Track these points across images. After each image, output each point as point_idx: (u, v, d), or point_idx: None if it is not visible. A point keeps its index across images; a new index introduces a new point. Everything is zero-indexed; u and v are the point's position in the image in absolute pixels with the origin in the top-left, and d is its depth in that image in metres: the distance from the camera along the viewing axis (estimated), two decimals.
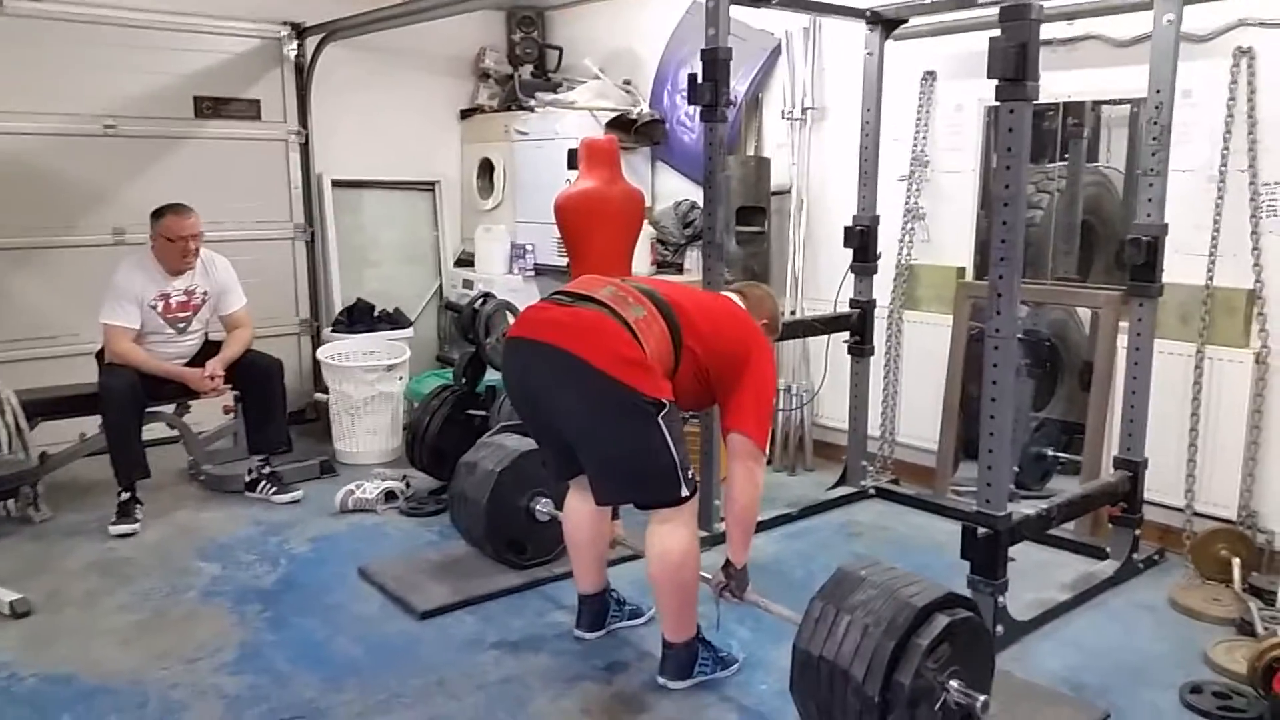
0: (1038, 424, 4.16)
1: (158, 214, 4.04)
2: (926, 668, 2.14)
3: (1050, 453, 4.13)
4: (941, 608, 2.22)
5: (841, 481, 4.27)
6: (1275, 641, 2.59)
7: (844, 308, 4.16)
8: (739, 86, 4.70)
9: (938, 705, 2.17)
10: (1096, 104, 4.42)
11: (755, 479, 2.61)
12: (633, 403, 2.45)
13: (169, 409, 4.26)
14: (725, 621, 3.02)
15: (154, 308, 4.03)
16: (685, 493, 2.56)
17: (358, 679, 2.74)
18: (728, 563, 2.70)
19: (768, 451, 2.76)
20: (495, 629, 3.04)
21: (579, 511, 2.87)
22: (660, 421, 2.47)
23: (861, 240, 3.98)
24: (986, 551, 2.76)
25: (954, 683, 2.18)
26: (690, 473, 2.58)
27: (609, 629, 2.99)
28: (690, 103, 3.51)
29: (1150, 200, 3.20)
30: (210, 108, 5.01)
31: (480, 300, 4.38)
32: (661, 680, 2.69)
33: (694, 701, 2.62)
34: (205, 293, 4.17)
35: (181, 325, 4.12)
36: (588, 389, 2.47)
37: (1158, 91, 3.14)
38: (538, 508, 3.32)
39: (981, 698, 2.19)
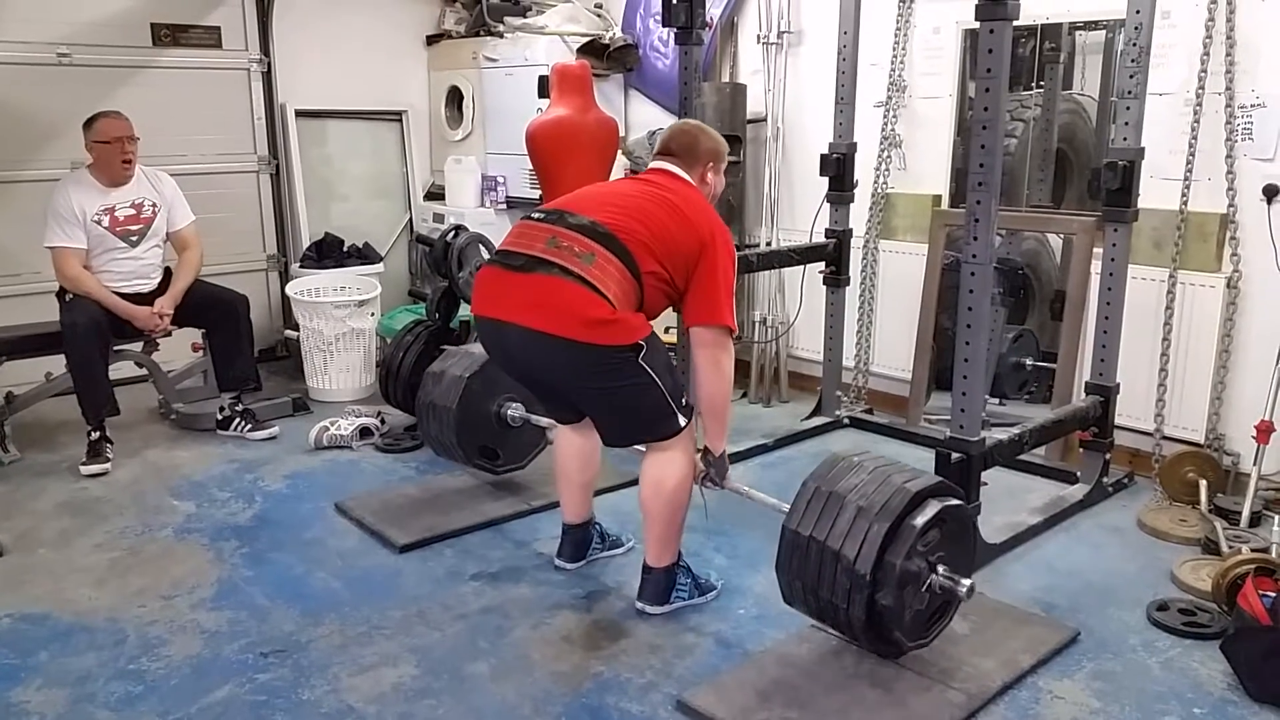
0: (1016, 334, 4.19)
1: (89, 122, 3.95)
2: (917, 550, 2.19)
3: (1029, 362, 4.17)
4: (933, 495, 2.26)
5: (816, 412, 4.29)
6: (1239, 559, 2.64)
7: (820, 238, 4.13)
8: (714, 9, 4.61)
9: (924, 587, 2.23)
10: (1073, 28, 4.38)
11: (721, 366, 2.55)
12: (612, 360, 2.44)
13: (136, 347, 4.19)
14: (702, 550, 3.05)
15: (99, 222, 3.94)
16: (682, 422, 2.58)
17: (337, 612, 2.74)
18: (706, 450, 2.70)
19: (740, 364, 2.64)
20: (475, 561, 3.05)
21: (570, 443, 2.87)
22: (642, 363, 2.47)
23: (838, 169, 3.94)
24: (959, 476, 2.78)
25: (941, 567, 2.24)
26: (684, 399, 2.59)
27: (589, 559, 3.01)
28: (664, 24, 3.45)
29: (1127, 124, 3.18)
30: (168, 35, 4.85)
31: (452, 234, 4.31)
32: (640, 605, 2.71)
33: (672, 626, 2.65)
34: (155, 204, 4.09)
35: (134, 239, 4.03)
36: (566, 360, 2.47)
37: (1137, 12, 3.10)
38: (509, 412, 3.29)
39: (966, 582, 2.25)
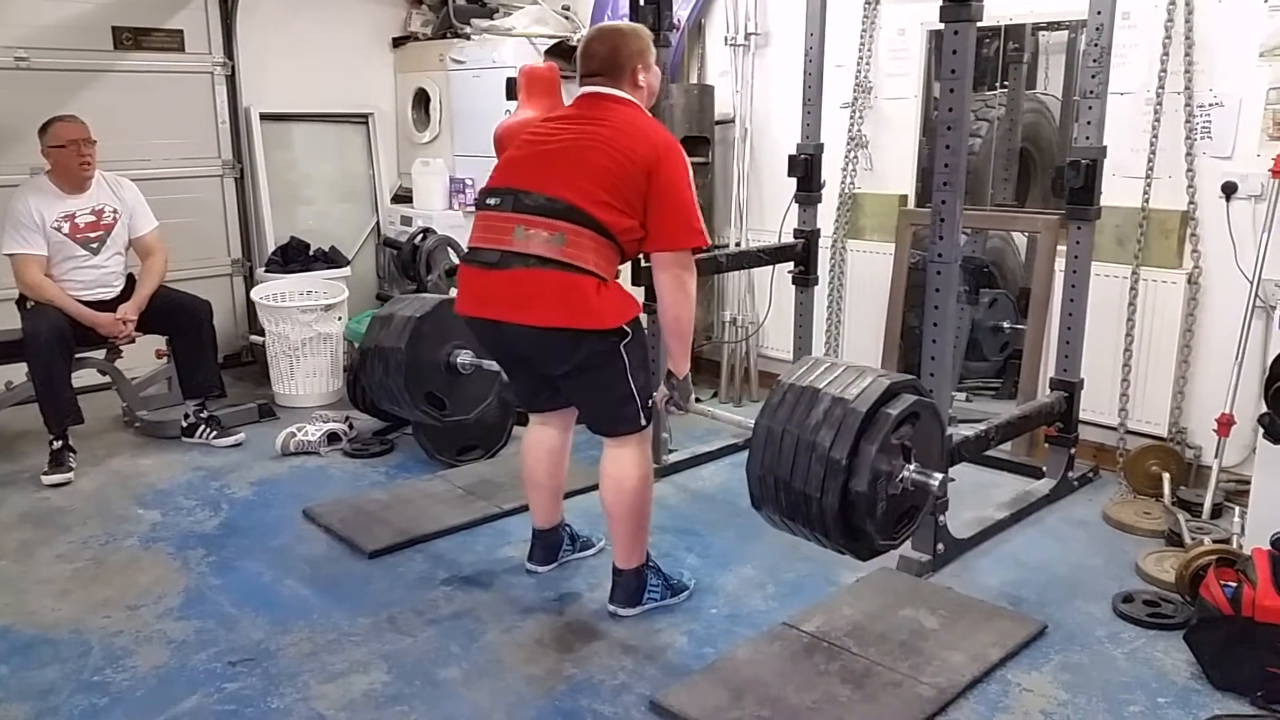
0: (991, 299, 4.23)
1: (44, 127, 3.89)
2: (891, 441, 2.18)
3: (1006, 325, 4.21)
4: (907, 389, 2.26)
5: None
6: (1201, 550, 2.69)
7: (788, 238, 4.15)
8: (681, 11, 4.61)
9: (897, 479, 2.23)
10: (1036, 28, 4.43)
11: (684, 286, 2.48)
12: (599, 346, 2.45)
13: (99, 354, 4.13)
14: (674, 550, 3.06)
15: (59, 229, 3.88)
16: (642, 421, 2.59)
17: (306, 620, 2.71)
18: (669, 374, 2.68)
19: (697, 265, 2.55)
20: (445, 566, 3.03)
21: (539, 446, 2.85)
22: (623, 352, 2.48)
23: (805, 169, 3.95)
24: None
25: (913, 463, 2.25)
26: (650, 402, 2.60)
27: (561, 562, 3.00)
28: None
29: (1089, 123, 3.22)
30: (130, 39, 4.78)
31: (420, 236, 4.31)
32: (612, 608, 2.71)
33: (645, 627, 2.65)
34: (116, 210, 4.03)
35: (95, 245, 3.97)
36: (560, 348, 2.48)
37: (1099, 12, 3.14)
38: (459, 359, 3.20)
39: (938, 476, 2.25)
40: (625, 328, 2.47)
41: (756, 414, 2.36)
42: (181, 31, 4.92)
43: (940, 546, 2.93)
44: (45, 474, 3.70)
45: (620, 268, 2.56)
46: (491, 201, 2.51)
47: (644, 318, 2.60)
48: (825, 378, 2.27)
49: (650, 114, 2.59)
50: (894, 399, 2.22)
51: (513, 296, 2.44)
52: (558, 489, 2.93)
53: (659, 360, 3.13)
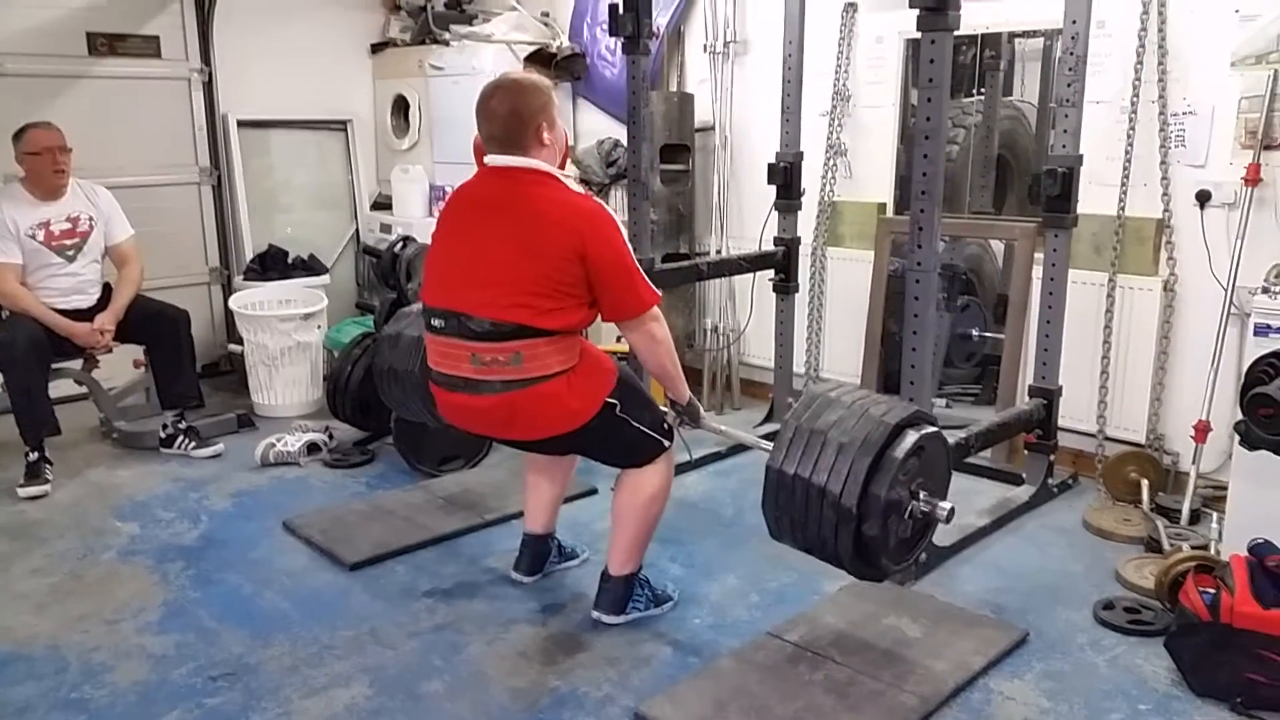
0: (964, 304, 4.26)
1: (18, 134, 3.86)
2: (899, 480, 2.22)
3: (975, 333, 4.24)
4: (911, 425, 2.29)
5: (768, 419, 4.31)
6: (1180, 557, 2.71)
7: (769, 246, 4.16)
8: (660, 19, 4.62)
9: (906, 514, 2.28)
10: (1012, 36, 4.46)
11: (656, 337, 2.47)
12: (592, 428, 2.47)
13: (76, 365, 4.09)
14: (658, 560, 3.05)
15: (34, 237, 3.84)
16: (665, 445, 2.62)
17: (287, 633, 2.69)
18: (673, 402, 2.69)
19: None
20: (427, 577, 3.02)
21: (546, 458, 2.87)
22: (617, 415, 2.50)
23: (785, 177, 3.97)
24: None
25: (921, 493, 2.29)
26: (664, 424, 2.62)
27: (546, 573, 2.99)
28: (611, 34, 3.44)
29: (1065, 131, 3.24)
30: (105, 45, 4.74)
31: (400, 244, 4.27)
32: (596, 615, 2.71)
33: (629, 638, 2.65)
34: (91, 218, 4.00)
35: (70, 253, 3.94)
36: (555, 445, 2.58)
37: (1074, 22, 3.17)
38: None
39: (945, 505, 2.30)
40: (609, 400, 2.48)
41: (745, 426, 2.37)
42: (158, 37, 4.89)
43: (922, 555, 2.94)
44: (21, 486, 3.65)
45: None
46: (437, 324, 2.45)
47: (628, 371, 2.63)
48: (830, 417, 2.29)
49: (562, 177, 2.47)
50: (899, 439, 2.25)
51: (496, 420, 2.48)
52: (559, 495, 2.94)
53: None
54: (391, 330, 3.24)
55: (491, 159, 2.46)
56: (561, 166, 2.52)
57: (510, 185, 2.42)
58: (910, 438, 2.25)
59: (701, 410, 2.75)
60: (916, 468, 2.29)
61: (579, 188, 2.52)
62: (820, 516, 2.23)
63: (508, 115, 2.41)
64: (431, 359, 2.53)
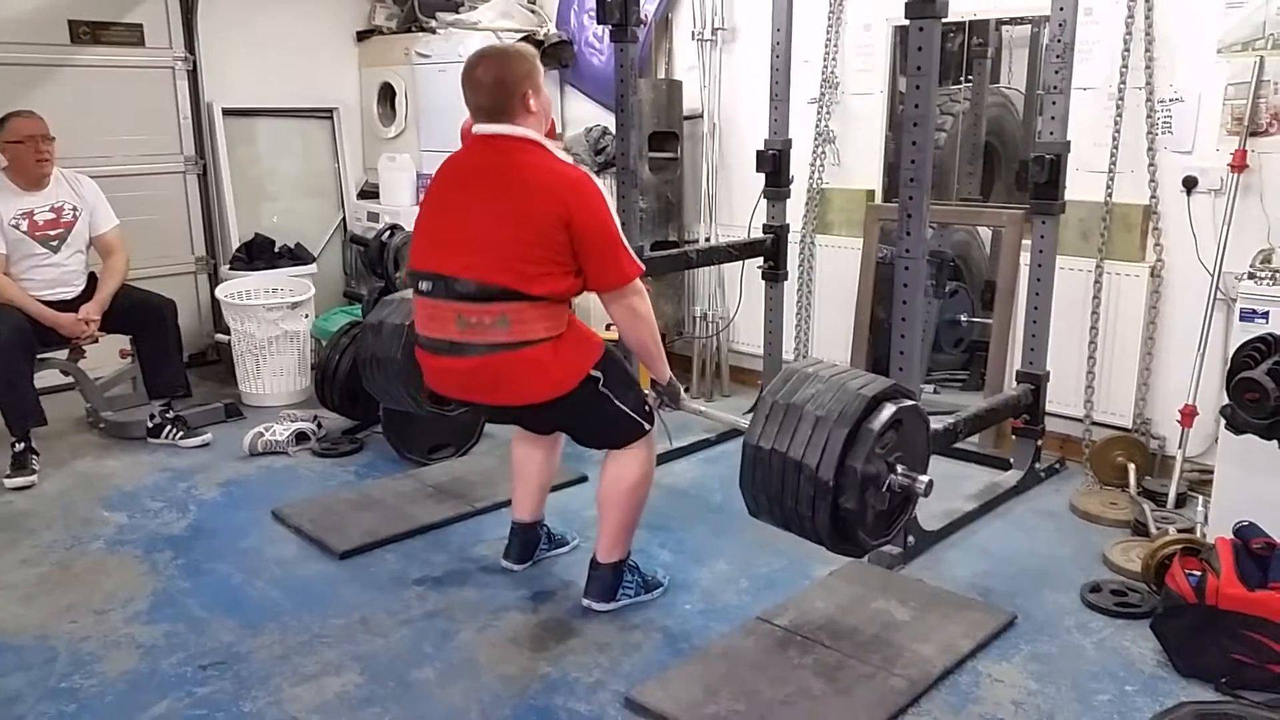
0: (952, 290, 4.28)
1: (0, 123, 3.82)
2: (876, 453, 2.21)
3: (964, 319, 4.26)
4: (888, 398, 2.28)
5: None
6: (1166, 540, 2.73)
7: (758, 233, 4.16)
8: (648, 6, 4.61)
9: (884, 487, 2.27)
10: (1000, 23, 4.47)
11: (638, 311, 2.48)
12: (575, 398, 2.46)
13: (62, 355, 4.06)
14: (648, 546, 3.06)
15: (17, 226, 3.82)
16: (646, 427, 2.61)
17: (277, 622, 2.69)
18: (654, 381, 2.70)
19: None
20: (418, 565, 3.02)
21: (531, 441, 2.86)
22: (604, 391, 2.49)
23: (774, 164, 3.97)
24: None
25: (899, 466, 2.27)
26: (646, 406, 2.62)
27: (536, 560, 2.99)
28: (599, 21, 3.43)
29: (1053, 118, 3.25)
30: (88, 33, 4.70)
31: (387, 233, 4.26)
32: (586, 602, 2.71)
33: (619, 624, 2.65)
34: (75, 208, 3.97)
35: (55, 244, 3.91)
36: (538, 413, 2.56)
37: (1061, 9, 3.17)
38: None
39: (923, 478, 2.29)
40: (594, 373, 2.48)
41: (734, 414, 2.38)
42: (141, 25, 4.84)
43: (910, 539, 2.96)
44: (7, 477, 3.63)
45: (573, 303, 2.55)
46: (424, 287, 2.47)
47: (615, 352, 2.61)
48: (807, 391, 2.29)
49: (549, 145, 2.48)
50: (876, 411, 2.24)
51: (479, 383, 2.47)
52: (546, 483, 2.94)
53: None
54: (374, 318, 3.23)
55: (479, 128, 2.48)
56: (549, 135, 2.54)
57: (497, 153, 2.44)
58: (887, 410, 2.24)
59: (681, 391, 2.75)
60: (894, 441, 2.27)
61: (567, 157, 2.52)
62: (797, 491, 2.22)
63: (493, 84, 2.43)
64: (418, 324, 2.54)
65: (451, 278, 2.40)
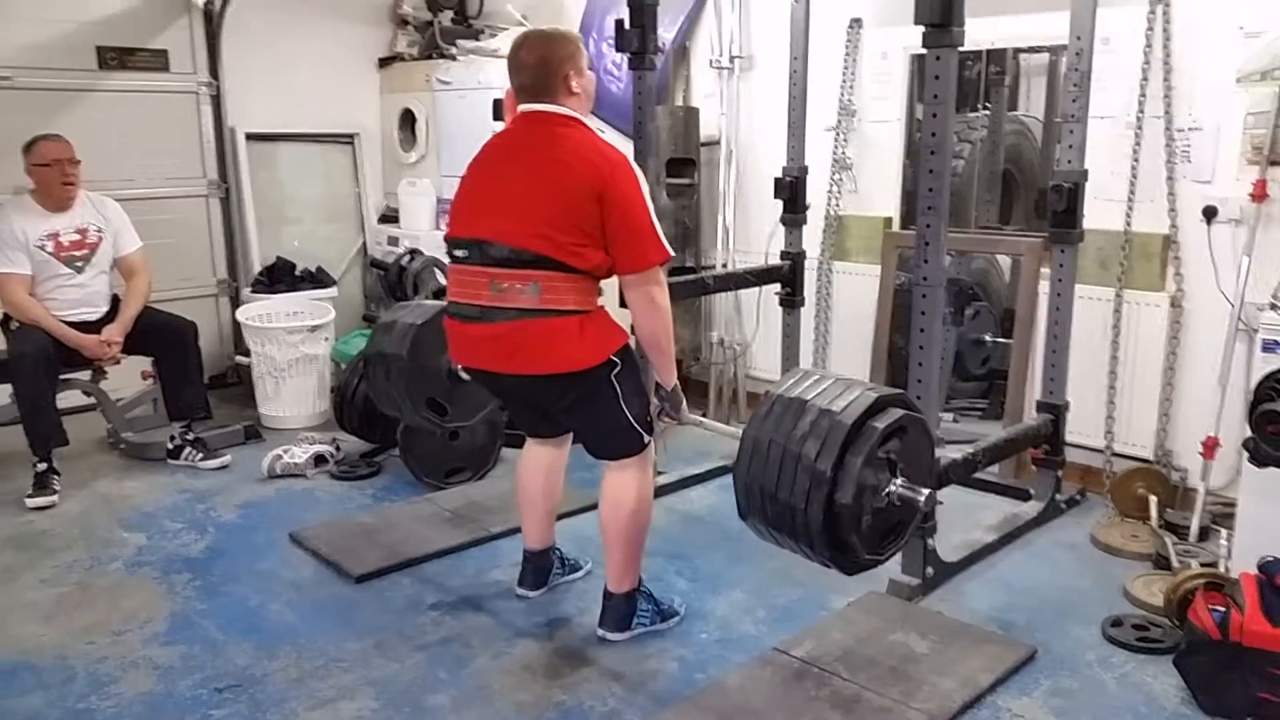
0: (974, 311, 4.27)
1: (28, 146, 3.89)
2: (877, 454, 2.17)
3: (989, 338, 4.24)
4: (894, 404, 2.25)
5: None
6: (1189, 574, 2.69)
7: (775, 259, 4.17)
8: (666, 34, 4.64)
9: (883, 493, 2.21)
10: (1018, 52, 4.48)
11: (655, 301, 2.47)
12: (589, 380, 2.47)
13: (84, 376, 4.10)
14: (663, 574, 3.05)
15: (43, 248, 3.87)
16: (644, 440, 2.60)
17: (293, 645, 2.69)
18: (658, 386, 2.68)
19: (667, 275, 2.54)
20: (433, 590, 3.02)
21: (536, 466, 2.86)
22: (614, 381, 2.49)
23: (791, 191, 3.98)
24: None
25: (900, 478, 2.23)
26: (649, 420, 2.61)
27: (551, 586, 2.99)
28: (618, 49, 3.46)
29: (1071, 147, 3.25)
30: (115, 59, 4.78)
31: (407, 257, 4.30)
32: (601, 632, 2.70)
33: (634, 653, 2.64)
34: (100, 230, 4.03)
35: (79, 264, 3.96)
36: (554, 389, 2.52)
37: (1078, 38, 3.18)
38: (460, 367, 3.05)
39: (925, 491, 2.24)
40: (614, 358, 2.48)
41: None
42: (166, 51, 4.92)
43: (929, 570, 2.94)
44: (29, 497, 3.66)
45: (603, 288, 2.56)
46: (460, 254, 2.51)
47: (633, 341, 2.60)
48: (814, 389, 2.27)
49: (591, 124, 2.54)
50: (882, 412, 2.21)
51: (503, 350, 2.47)
52: (552, 509, 2.93)
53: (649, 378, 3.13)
54: (388, 318, 3.25)
55: (523, 106, 2.52)
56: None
57: (538, 128, 2.49)
58: (894, 413, 2.21)
59: (684, 402, 2.74)
60: (898, 450, 2.23)
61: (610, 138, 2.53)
62: (793, 483, 2.17)
63: (536, 64, 2.48)
64: (451, 291, 2.56)
65: (486, 242, 2.44)
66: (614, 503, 2.62)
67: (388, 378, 3.17)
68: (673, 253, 2.48)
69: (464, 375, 3.02)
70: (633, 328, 2.56)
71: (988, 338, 4.27)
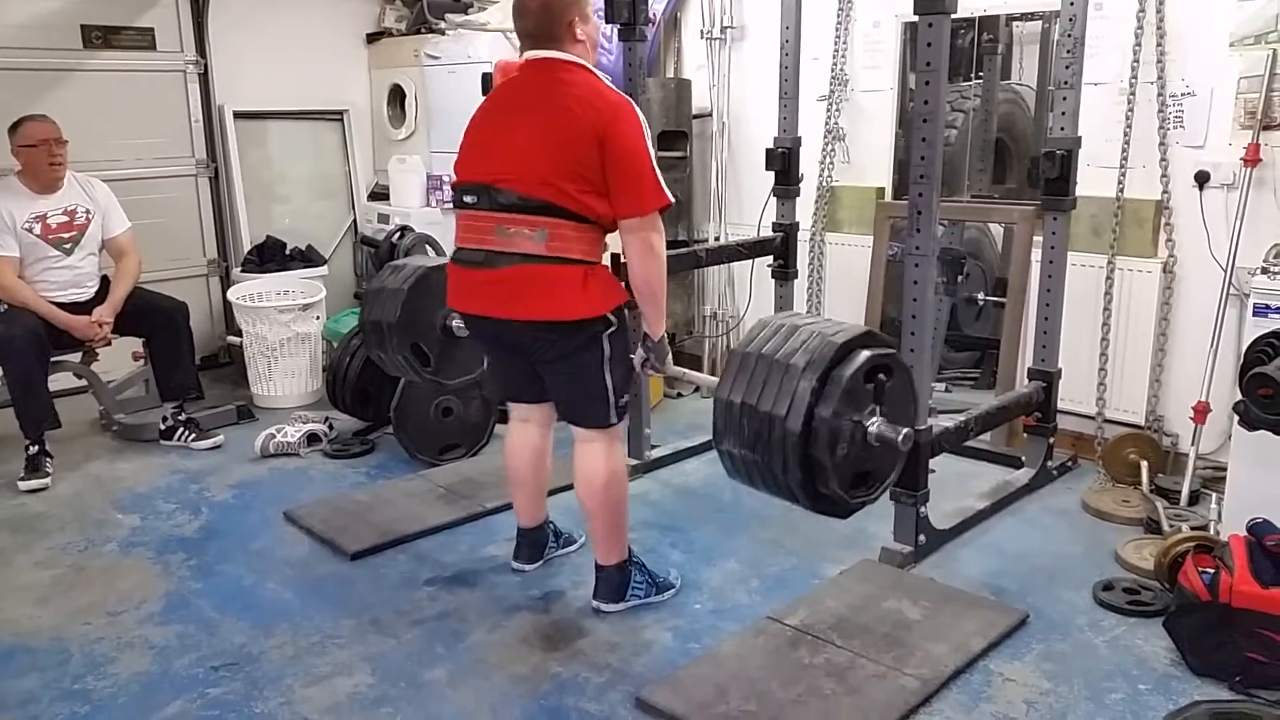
0: (966, 272, 4.28)
1: (14, 127, 3.86)
2: (863, 385, 2.17)
3: (980, 297, 4.27)
4: (863, 345, 2.22)
5: None
6: (1179, 538, 2.72)
7: (767, 231, 4.15)
8: (657, 5, 4.60)
9: (861, 438, 2.20)
10: (1010, 19, 4.44)
11: (652, 247, 2.44)
12: (582, 332, 2.46)
13: (75, 358, 4.09)
14: (658, 546, 3.06)
15: (30, 230, 3.85)
16: (613, 419, 2.59)
17: (289, 622, 2.70)
18: (645, 336, 2.66)
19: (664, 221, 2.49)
20: (429, 566, 3.02)
21: (522, 445, 2.84)
22: (605, 342, 2.49)
23: (783, 163, 3.95)
24: (908, 463, 2.81)
25: (877, 418, 2.21)
26: (624, 400, 2.59)
27: (546, 560, 3.00)
28: (608, 20, 3.42)
29: (1064, 113, 3.23)
30: (100, 38, 4.73)
31: (398, 234, 4.28)
32: (595, 604, 2.71)
33: (629, 624, 2.65)
34: (88, 211, 4.00)
35: (68, 246, 3.94)
36: (548, 337, 2.49)
37: (1071, 4, 3.16)
38: (455, 322, 3.05)
39: (904, 430, 2.24)
40: (610, 316, 2.48)
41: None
42: (152, 30, 4.87)
43: (921, 538, 2.95)
44: (22, 480, 3.66)
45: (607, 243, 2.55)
46: (468, 200, 2.50)
47: (628, 314, 2.59)
48: (806, 320, 2.29)
49: (594, 70, 2.50)
50: (847, 358, 2.19)
51: (502, 294, 2.45)
52: (542, 487, 2.92)
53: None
54: (375, 285, 3.22)
55: (528, 54, 2.51)
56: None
57: (541, 74, 2.47)
58: (862, 357, 2.18)
59: (669, 354, 2.73)
60: (872, 390, 2.20)
61: (611, 84, 2.49)
62: (776, 392, 2.16)
63: (539, 9, 2.45)
64: (458, 238, 2.55)
65: (493, 187, 2.43)
66: (585, 476, 2.62)
67: (382, 343, 3.14)
68: (672, 199, 2.45)
69: (459, 331, 3.00)
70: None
71: (980, 296, 4.27)
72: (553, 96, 2.43)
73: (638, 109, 2.45)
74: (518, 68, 2.56)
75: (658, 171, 2.42)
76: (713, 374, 4.74)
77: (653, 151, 2.43)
